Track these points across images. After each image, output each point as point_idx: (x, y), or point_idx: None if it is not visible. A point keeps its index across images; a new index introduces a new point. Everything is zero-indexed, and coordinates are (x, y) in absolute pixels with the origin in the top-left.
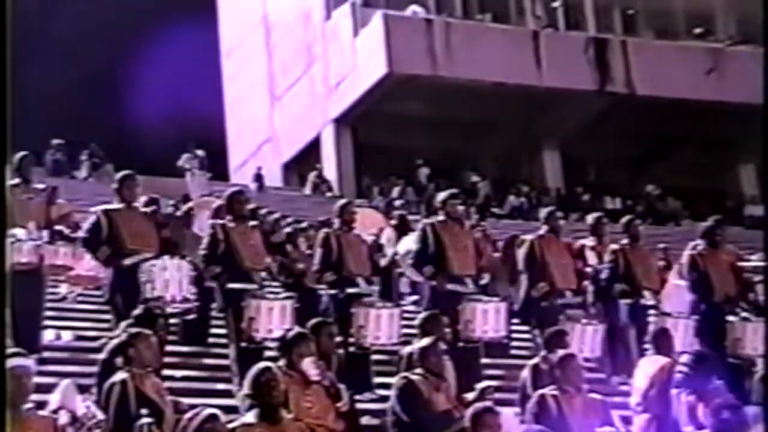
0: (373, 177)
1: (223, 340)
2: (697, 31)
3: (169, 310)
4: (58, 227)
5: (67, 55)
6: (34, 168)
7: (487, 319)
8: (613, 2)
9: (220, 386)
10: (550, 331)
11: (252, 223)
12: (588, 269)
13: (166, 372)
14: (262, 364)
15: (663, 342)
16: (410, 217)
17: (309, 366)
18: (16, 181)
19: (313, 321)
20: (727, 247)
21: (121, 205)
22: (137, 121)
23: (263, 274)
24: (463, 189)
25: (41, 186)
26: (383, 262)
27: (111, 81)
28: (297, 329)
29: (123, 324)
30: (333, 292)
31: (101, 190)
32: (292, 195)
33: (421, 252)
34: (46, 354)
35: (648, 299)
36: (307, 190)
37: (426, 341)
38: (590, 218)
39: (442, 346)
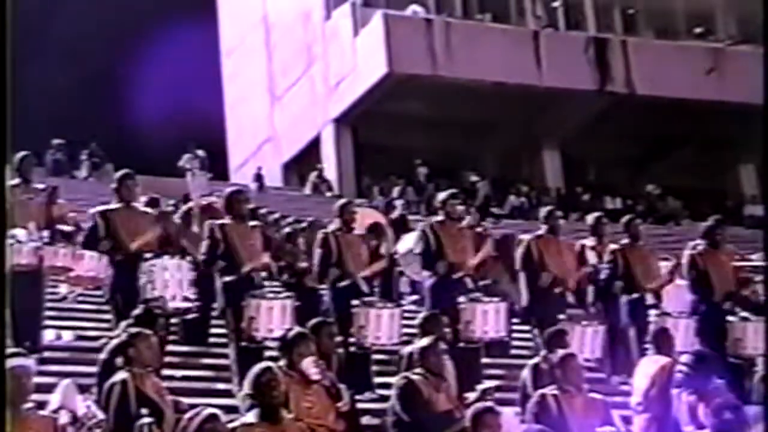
0: (373, 177)
1: (224, 340)
2: (698, 30)
3: (169, 308)
4: (57, 228)
5: (67, 55)
6: (34, 168)
7: (487, 319)
8: (613, 2)
9: (221, 386)
10: (551, 330)
11: (252, 223)
12: (588, 269)
13: (167, 372)
14: (262, 364)
15: (663, 342)
16: (410, 217)
17: (309, 366)
18: (16, 181)
19: (314, 321)
20: (727, 247)
21: (119, 205)
22: (137, 121)
23: (263, 273)
24: (463, 189)
25: (41, 186)
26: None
27: (111, 81)
28: (297, 329)
29: (123, 324)
30: (333, 291)
31: (101, 189)
32: (292, 195)
33: (426, 252)
34: (46, 354)
35: (648, 299)
36: (307, 190)
37: (426, 341)
38: (590, 218)
39: (442, 345)
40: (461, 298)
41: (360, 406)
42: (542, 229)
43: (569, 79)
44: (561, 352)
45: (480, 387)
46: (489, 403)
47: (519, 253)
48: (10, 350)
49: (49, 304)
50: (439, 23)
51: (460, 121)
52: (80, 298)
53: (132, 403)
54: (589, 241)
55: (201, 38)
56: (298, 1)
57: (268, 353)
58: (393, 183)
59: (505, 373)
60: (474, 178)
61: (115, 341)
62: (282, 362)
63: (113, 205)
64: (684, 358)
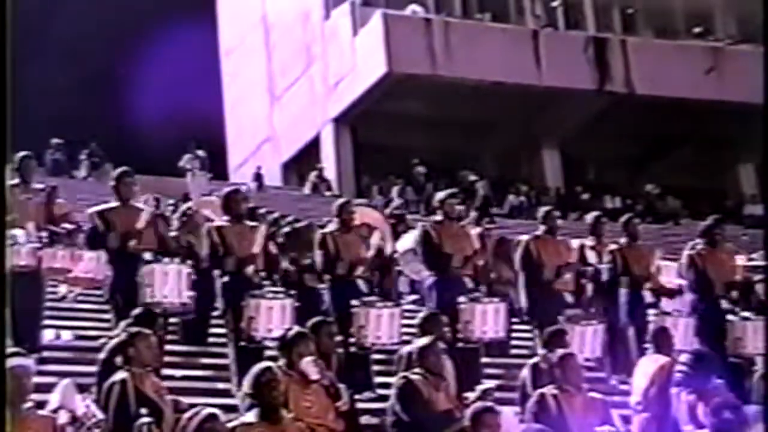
0: (372, 176)
1: (223, 340)
2: (697, 30)
3: (168, 311)
4: (56, 229)
5: (67, 55)
6: (35, 168)
7: (486, 319)
8: (612, 1)
9: (220, 385)
10: (550, 330)
11: (250, 223)
12: (587, 268)
13: (166, 371)
14: (263, 364)
15: (663, 341)
16: (409, 216)
17: (308, 365)
18: (16, 181)
19: (313, 320)
20: (726, 246)
21: (117, 204)
22: (137, 120)
23: (262, 273)
24: (462, 188)
25: (40, 186)
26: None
27: (111, 81)
28: (297, 329)
29: (122, 323)
30: (332, 291)
31: (101, 189)
32: (292, 194)
33: (426, 251)
34: (45, 353)
35: (647, 298)
36: (307, 190)
37: (425, 341)
38: (589, 217)
39: (441, 345)
40: (461, 298)
41: (359, 405)
42: (540, 230)
43: (568, 78)
44: (560, 351)
45: (480, 387)
46: (488, 403)
47: (518, 253)
48: (9, 350)
49: (49, 304)
50: (439, 23)
51: (459, 120)
52: (80, 298)
53: (131, 402)
54: (589, 241)
55: (200, 38)
56: (298, 1)
57: (267, 353)
58: (392, 182)
59: (505, 373)
60: (472, 177)
61: (114, 341)
62: (281, 362)
63: (111, 205)
64: (683, 358)
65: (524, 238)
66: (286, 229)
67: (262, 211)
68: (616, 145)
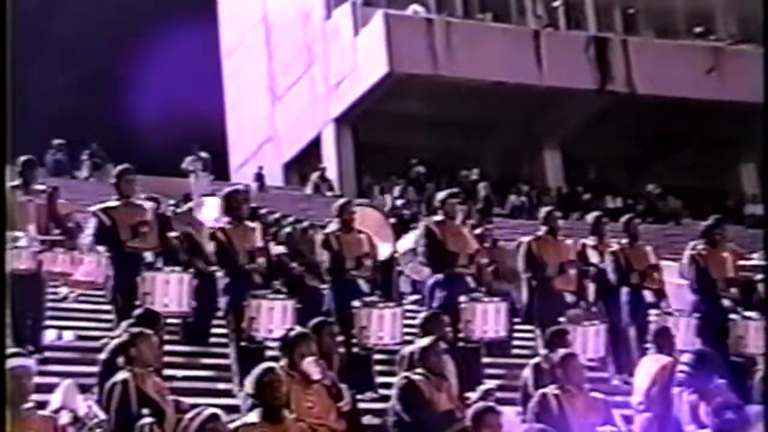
0: (373, 176)
1: (224, 340)
2: (698, 30)
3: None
4: (56, 238)
5: (67, 55)
6: (37, 170)
7: (486, 319)
8: (613, 1)
9: (222, 386)
10: (551, 330)
11: (251, 224)
12: (589, 268)
13: (168, 372)
14: (265, 365)
15: (664, 341)
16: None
17: (310, 366)
18: (17, 182)
19: (315, 321)
20: (727, 246)
21: (118, 202)
22: (138, 121)
23: (264, 272)
24: (463, 188)
25: (41, 187)
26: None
27: (111, 81)
28: (298, 329)
29: (124, 324)
30: (334, 291)
31: (102, 190)
32: (293, 194)
33: (428, 250)
34: (47, 354)
35: (649, 297)
36: (309, 190)
37: (426, 341)
38: (590, 217)
39: (443, 345)
40: (462, 297)
41: (361, 405)
42: (542, 230)
43: (570, 78)
44: (562, 351)
45: (481, 387)
46: (490, 403)
47: (520, 254)
48: (10, 350)
49: (51, 304)
50: (440, 23)
51: (460, 120)
52: (81, 298)
53: (133, 403)
54: (590, 241)
55: (201, 38)
56: (299, 0)
57: (268, 353)
58: (394, 182)
59: (506, 373)
60: (473, 176)
61: (116, 341)
62: (283, 362)
63: (113, 203)
64: (685, 358)
65: (526, 239)
66: (287, 230)
67: (263, 211)
68: (617, 145)
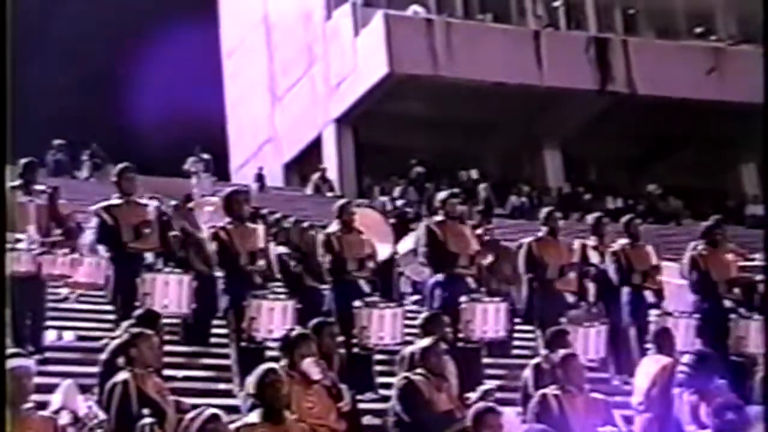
0: (374, 177)
1: (225, 340)
2: (698, 30)
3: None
4: (57, 233)
5: (67, 55)
6: (38, 172)
7: (486, 319)
8: (614, 2)
9: (222, 386)
10: (552, 330)
11: (252, 225)
12: (590, 268)
13: (168, 372)
14: (266, 365)
15: (664, 341)
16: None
17: (310, 366)
18: (17, 182)
19: (315, 321)
20: (728, 246)
21: (120, 201)
22: (138, 121)
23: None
24: (464, 189)
25: (42, 187)
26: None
27: (111, 81)
28: (299, 329)
29: (124, 324)
30: (334, 292)
31: (103, 190)
32: (294, 195)
33: (429, 249)
34: (48, 354)
35: (649, 298)
36: (309, 190)
37: (427, 341)
38: (591, 218)
39: (443, 346)
40: (462, 298)
41: (361, 406)
42: (542, 231)
43: (570, 78)
44: (562, 351)
45: (481, 388)
46: (490, 403)
47: (521, 255)
48: (10, 351)
49: (51, 305)
50: (440, 23)
51: (460, 121)
52: (81, 299)
53: (133, 403)
54: (591, 241)
55: (202, 38)
56: (299, 1)
57: (268, 354)
58: (394, 183)
59: (507, 373)
60: (474, 175)
61: (116, 341)
62: (283, 362)
63: (115, 201)
64: (685, 358)
65: (526, 240)
66: (288, 230)
67: (264, 211)
68: (617, 146)
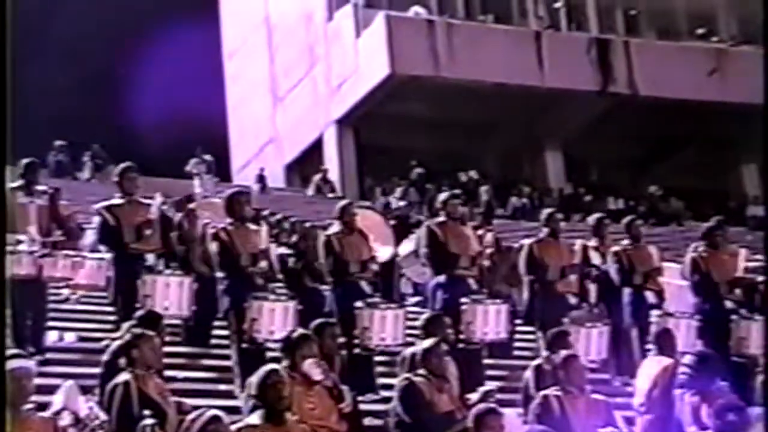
0: (375, 178)
1: (226, 342)
2: (700, 31)
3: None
4: (58, 234)
5: (67, 55)
6: (39, 172)
7: (487, 320)
8: (615, 3)
9: (223, 387)
10: (553, 331)
11: (254, 227)
12: (591, 269)
13: (169, 373)
14: (269, 366)
15: (666, 342)
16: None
17: (311, 367)
18: (18, 183)
19: (316, 322)
20: (729, 247)
21: (122, 200)
22: (139, 122)
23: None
24: (465, 190)
25: (43, 188)
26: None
27: (112, 82)
28: (300, 330)
29: (125, 325)
30: (335, 293)
31: (104, 191)
32: (295, 196)
33: (431, 250)
34: (49, 355)
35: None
36: (311, 191)
37: (428, 343)
38: (592, 219)
39: (444, 347)
40: (463, 299)
41: (362, 407)
42: (543, 232)
43: (571, 79)
44: (563, 353)
45: (481, 389)
46: (491, 405)
47: (522, 256)
48: (10, 352)
49: (52, 306)
50: (441, 24)
51: (462, 122)
52: (83, 300)
53: (134, 404)
54: (592, 242)
55: (203, 39)
56: (301, 2)
57: (269, 355)
58: (395, 184)
59: (508, 374)
60: (472, 175)
61: (117, 342)
62: (284, 363)
63: (117, 201)
64: (687, 359)
65: (527, 241)
66: (289, 231)
67: (265, 212)
68: (618, 147)
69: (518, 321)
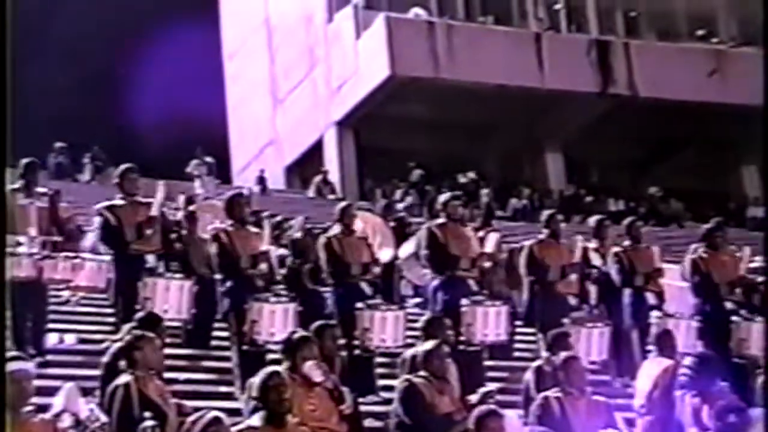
0: (375, 179)
1: (226, 343)
2: (699, 32)
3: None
4: (57, 239)
5: (67, 55)
6: (39, 173)
7: (487, 322)
8: (615, 4)
9: (224, 389)
10: (554, 333)
11: (254, 229)
12: (591, 271)
13: (169, 375)
14: (271, 368)
15: (666, 343)
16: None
17: (312, 369)
18: (18, 185)
19: (317, 324)
20: (729, 248)
21: (123, 201)
22: (138, 122)
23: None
24: (465, 191)
25: (43, 189)
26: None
27: (112, 82)
28: (300, 332)
29: (126, 327)
30: (336, 294)
31: (104, 193)
32: (295, 197)
33: (431, 251)
34: (49, 357)
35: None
36: (311, 193)
37: (430, 344)
38: (592, 220)
39: (446, 349)
40: (463, 301)
41: (363, 408)
42: (543, 233)
43: (571, 81)
44: (564, 354)
45: (481, 390)
46: (492, 406)
47: (522, 257)
48: (10, 354)
49: (52, 308)
50: (441, 26)
51: (462, 123)
52: (83, 302)
53: (135, 406)
54: (592, 243)
55: (203, 40)
56: (300, 3)
57: (269, 356)
58: (395, 186)
59: (508, 376)
60: (471, 176)
61: (118, 344)
62: (285, 365)
63: (118, 201)
64: (687, 360)
65: (528, 242)
66: (289, 233)
67: (265, 214)
68: (619, 148)
69: (518, 322)
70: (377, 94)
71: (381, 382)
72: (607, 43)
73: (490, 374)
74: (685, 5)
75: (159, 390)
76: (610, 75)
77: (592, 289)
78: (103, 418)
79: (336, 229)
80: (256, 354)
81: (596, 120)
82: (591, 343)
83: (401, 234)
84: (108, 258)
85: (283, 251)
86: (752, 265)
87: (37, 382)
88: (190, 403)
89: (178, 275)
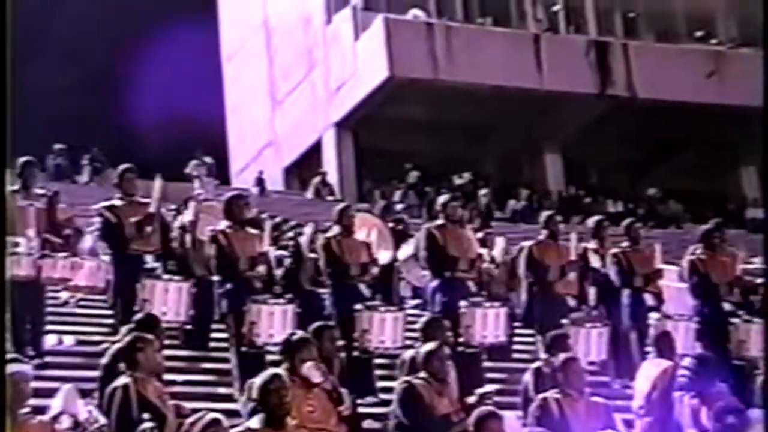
0: (374, 181)
1: (225, 345)
2: (698, 34)
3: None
4: (56, 239)
5: (67, 55)
6: (37, 173)
7: (486, 324)
8: (613, 5)
9: (222, 390)
10: (552, 334)
11: (252, 230)
12: (591, 271)
13: (168, 376)
14: (271, 371)
15: (665, 345)
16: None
17: (311, 370)
18: (17, 186)
19: (315, 325)
20: (728, 250)
21: (122, 202)
22: (137, 123)
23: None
24: (464, 193)
25: (41, 191)
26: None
27: (111, 82)
28: (299, 333)
29: (125, 328)
30: (334, 295)
31: (103, 194)
32: (294, 199)
33: (431, 253)
34: (48, 359)
35: (649, 301)
36: (310, 194)
37: (430, 345)
38: (591, 221)
39: (446, 350)
40: (462, 302)
41: (362, 410)
42: (542, 234)
43: (570, 82)
44: (563, 355)
45: (479, 391)
46: (492, 408)
47: (522, 258)
48: (8, 356)
49: (51, 309)
50: (440, 27)
51: (460, 124)
52: (82, 303)
53: (134, 407)
54: (591, 244)
55: (202, 41)
56: (299, 5)
57: (268, 358)
58: (394, 187)
59: (507, 377)
60: (467, 176)
61: (117, 345)
62: (284, 366)
63: (117, 201)
64: (686, 362)
65: (527, 243)
66: (289, 234)
67: (264, 216)
68: (617, 149)
69: (517, 324)
70: (376, 96)
71: (380, 384)
72: (605, 44)
73: (489, 375)
74: (683, 6)
75: (158, 392)
76: (608, 76)
77: (591, 290)
78: (102, 420)
79: (335, 230)
80: (254, 355)
81: (595, 121)
82: (590, 343)
83: (400, 235)
84: (107, 258)
85: (281, 252)
86: (751, 266)
87: (35, 384)
88: (188, 405)
89: (176, 277)
